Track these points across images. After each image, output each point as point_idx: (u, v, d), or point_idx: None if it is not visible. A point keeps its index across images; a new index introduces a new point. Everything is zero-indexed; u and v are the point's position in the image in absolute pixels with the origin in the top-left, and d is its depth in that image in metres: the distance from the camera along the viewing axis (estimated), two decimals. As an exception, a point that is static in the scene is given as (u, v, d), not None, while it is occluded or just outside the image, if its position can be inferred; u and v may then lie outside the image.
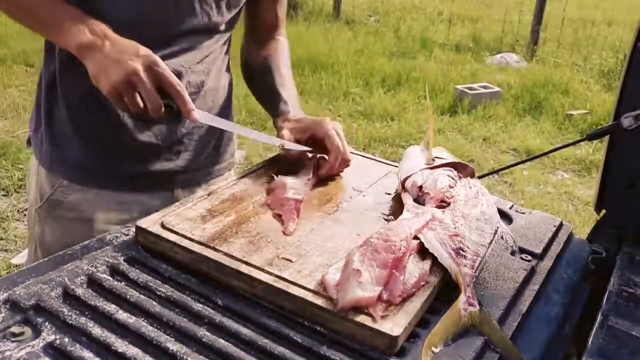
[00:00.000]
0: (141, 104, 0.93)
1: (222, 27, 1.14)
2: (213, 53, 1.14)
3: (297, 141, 1.06)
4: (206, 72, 1.14)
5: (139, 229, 0.82)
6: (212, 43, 1.13)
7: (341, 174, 1.07)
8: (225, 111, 1.22)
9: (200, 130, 1.17)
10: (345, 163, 1.06)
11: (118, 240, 0.84)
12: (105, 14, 0.98)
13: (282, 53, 1.26)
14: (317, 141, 1.06)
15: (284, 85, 1.19)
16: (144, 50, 0.94)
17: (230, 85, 1.25)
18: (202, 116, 1.00)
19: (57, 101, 1.11)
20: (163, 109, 0.94)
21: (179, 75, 1.05)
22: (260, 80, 1.23)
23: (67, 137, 1.11)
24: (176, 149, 1.15)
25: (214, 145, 1.22)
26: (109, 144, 1.11)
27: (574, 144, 1.21)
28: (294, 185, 0.96)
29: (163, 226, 0.82)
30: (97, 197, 1.11)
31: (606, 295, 0.85)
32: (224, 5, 1.11)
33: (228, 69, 1.24)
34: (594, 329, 0.77)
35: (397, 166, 1.06)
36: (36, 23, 1.00)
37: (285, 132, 1.07)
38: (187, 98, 0.96)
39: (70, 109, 1.10)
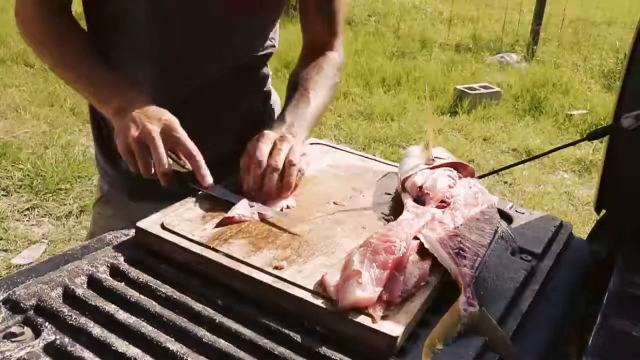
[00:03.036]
0: (151, 167, 0.91)
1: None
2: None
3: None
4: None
5: (139, 230, 0.82)
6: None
7: (341, 173, 1.06)
8: None
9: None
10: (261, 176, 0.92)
11: (118, 240, 0.84)
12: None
13: (320, 68, 1.15)
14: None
15: (297, 104, 1.08)
16: (167, 116, 0.94)
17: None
18: (215, 188, 0.93)
19: (104, 119, 1.16)
20: (170, 177, 0.91)
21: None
22: (288, 94, 1.14)
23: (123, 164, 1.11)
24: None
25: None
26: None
27: (574, 144, 1.21)
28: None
29: (163, 227, 0.82)
30: (133, 207, 1.14)
31: (606, 295, 0.85)
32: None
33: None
34: (594, 329, 0.77)
35: (397, 166, 1.06)
36: (75, 82, 1.06)
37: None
38: (202, 163, 0.93)
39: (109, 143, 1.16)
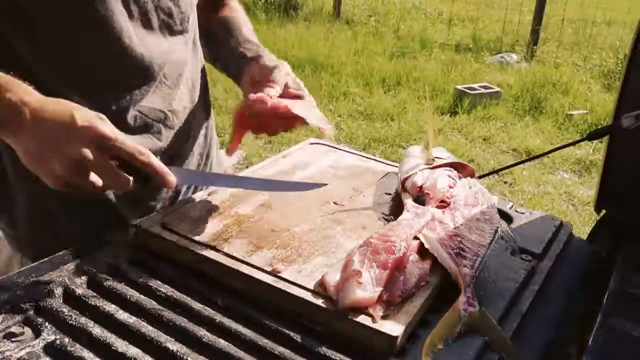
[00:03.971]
0: (100, 183, 0.74)
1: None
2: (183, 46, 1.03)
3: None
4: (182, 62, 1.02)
5: (140, 229, 0.82)
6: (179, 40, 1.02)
7: (341, 173, 1.06)
8: (204, 105, 1.14)
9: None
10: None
11: (118, 240, 0.84)
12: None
13: (238, 13, 1.15)
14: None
15: (249, 37, 1.07)
16: (82, 119, 0.72)
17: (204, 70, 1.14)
18: (179, 176, 0.82)
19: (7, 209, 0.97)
20: (132, 181, 0.76)
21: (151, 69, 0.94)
22: (224, 41, 1.08)
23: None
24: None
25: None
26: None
27: (574, 144, 1.21)
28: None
29: (163, 226, 0.82)
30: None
31: (606, 295, 0.85)
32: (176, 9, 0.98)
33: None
34: (594, 329, 0.77)
35: (397, 166, 1.06)
36: None
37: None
38: (158, 164, 0.77)
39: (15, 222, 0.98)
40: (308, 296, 0.71)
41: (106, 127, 0.73)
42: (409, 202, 0.91)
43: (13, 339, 0.63)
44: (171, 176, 0.79)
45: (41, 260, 0.78)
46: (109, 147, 0.73)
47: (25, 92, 0.73)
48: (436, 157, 1.01)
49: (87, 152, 0.71)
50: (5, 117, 0.72)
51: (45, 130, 0.71)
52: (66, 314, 0.67)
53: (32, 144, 0.72)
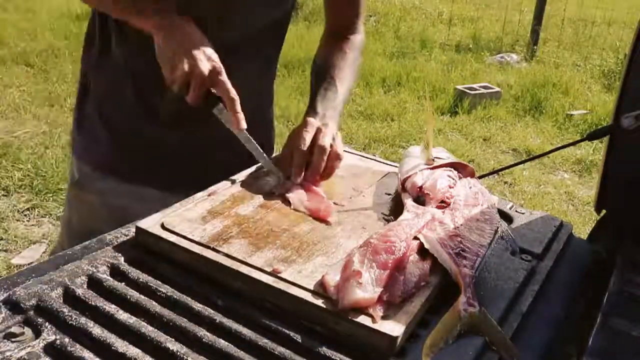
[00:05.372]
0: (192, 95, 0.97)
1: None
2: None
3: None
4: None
5: (139, 230, 0.82)
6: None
7: (341, 173, 1.06)
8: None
9: (230, 143, 1.11)
10: (321, 156, 1.00)
11: (118, 240, 0.84)
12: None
13: (343, 52, 1.19)
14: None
15: (326, 92, 1.12)
16: (210, 52, 0.98)
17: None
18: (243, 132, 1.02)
19: (87, 93, 1.18)
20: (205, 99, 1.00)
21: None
22: (314, 81, 1.18)
23: (95, 128, 1.17)
24: (203, 155, 1.18)
25: (241, 160, 1.12)
26: (135, 142, 1.16)
27: (574, 144, 1.21)
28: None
29: (163, 227, 0.82)
30: (120, 188, 1.16)
31: (606, 295, 0.85)
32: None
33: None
34: (594, 329, 0.77)
35: (397, 166, 1.06)
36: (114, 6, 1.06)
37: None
38: (239, 108, 0.99)
39: (99, 105, 1.17)
40: (308, 296, 0.71)
41: (222, 67, 0.99)
42: (409, 202, 0.91)
43: (13, 339, 0.63)
44: (243, 122, 1.00)
45: (41, 261, 0.78)
46: (216, 80, 0.98)
47: (186, 20, 1.00)
48: (436, 157, 1.01)
49: (205, 73, 0.96)
50: (163, 24, 0.99)
51: (187, 41, 0.97)
52: (66, 314, 0.67)
53: (174, 47, 0.97)
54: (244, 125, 1.00)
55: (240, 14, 1.11)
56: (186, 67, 0.95)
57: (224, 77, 0.99)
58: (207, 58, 0.97)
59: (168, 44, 0.98)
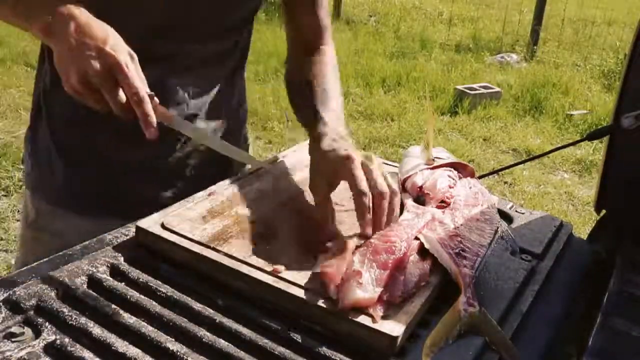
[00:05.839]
0: (123, 101, 0.80)
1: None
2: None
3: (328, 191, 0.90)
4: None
5: (139, 229, 0.82)
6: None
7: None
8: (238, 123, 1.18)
9: (198, 155, 1.06)
10: (381, 200, 0.82)
11: (118, 240, 0.84)
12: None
13: (325, 64, 1.11)
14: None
15: (324, 103, 1.01)
16: (113, 41, 0.79)
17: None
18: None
19: (41, 121, 1.07)
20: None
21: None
22: (297, 96, 1.08)
23: (51, 160, 1.06)
24: (168, 176, 1.09)
25: (214, 172, 1.04)
26: (95, 170, 1.06)
27: (574, 144, 1.21)
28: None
29: (163, 226, 0.82)
30: (81, 224, 1.03)
31: (606, 295, 0.85)
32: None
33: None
34: (594, 329, 0.77)
35: (397, 166, 1.06)
36: (9, 12, 0.89)
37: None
38: (147, 108, 0.79)
39: (53, 131, 1.05)
40: (308, 296, 0.71)
41: (128, 60, 0.79)
42: (409, 202, 0.91)
43: (13, 339, 0.63)
44: (153, 127, 0.80)
45: (41, 261, 0.78)
46: (117, 74, 0.78)
47: (76, 8, 0.81)
48: (436, 157, 1.01)
49: (97, 70, 0.77)
50: (54, 24, 0.80)
51: (81, 36, 0.79)
52: (66, 314, 0.67)
53: (66, 48, 0.79)
54: (152, 133, 0.80)
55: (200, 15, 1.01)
56: (76, 70, 0.78)
57: (130, 71, 0.79)
58: (98, 49, 0.78)
59: (58, 46, 0.80)
